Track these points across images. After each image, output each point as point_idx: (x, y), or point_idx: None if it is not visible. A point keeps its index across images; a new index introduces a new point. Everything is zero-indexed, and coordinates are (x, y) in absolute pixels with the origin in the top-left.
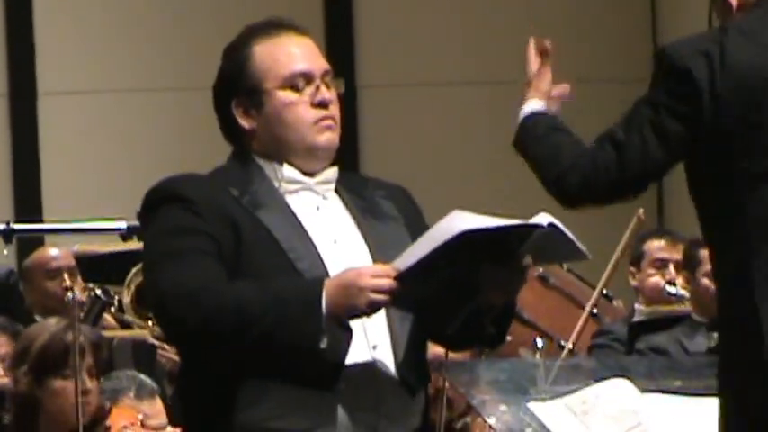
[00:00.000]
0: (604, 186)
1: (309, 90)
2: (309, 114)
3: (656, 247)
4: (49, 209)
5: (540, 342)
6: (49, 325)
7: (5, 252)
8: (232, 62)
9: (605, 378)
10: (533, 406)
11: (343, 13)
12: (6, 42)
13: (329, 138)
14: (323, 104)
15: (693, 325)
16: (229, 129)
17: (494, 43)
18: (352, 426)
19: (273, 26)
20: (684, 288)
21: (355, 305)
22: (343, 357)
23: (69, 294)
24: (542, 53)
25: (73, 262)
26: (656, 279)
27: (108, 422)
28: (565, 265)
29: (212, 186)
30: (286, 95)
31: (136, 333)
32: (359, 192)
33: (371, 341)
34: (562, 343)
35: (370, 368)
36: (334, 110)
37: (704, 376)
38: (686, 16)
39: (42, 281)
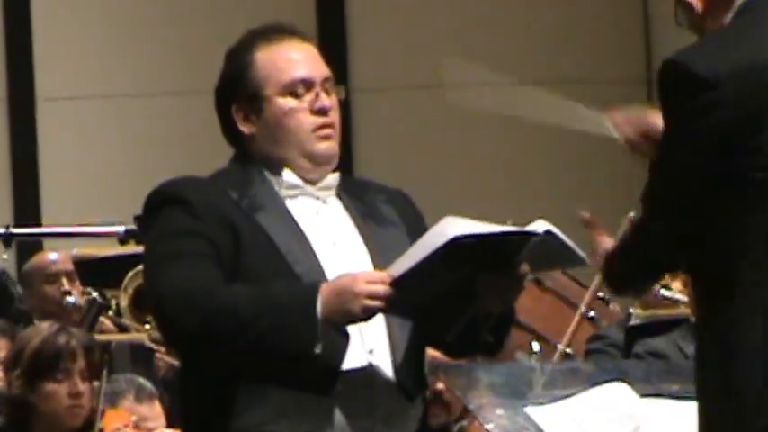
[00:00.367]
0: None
1: (309, 97)
2: (308, 121)
3: None
4: (47, 213)
5: (536, 345)
6: (41, 329)
7: (5, 256)
8: (233, 67)
9: (603, 382)
10: (531, 410)
11: (336, 17)
12: (5, 47)
13: (328, 146)
14: (322, 111)
15: (691, 329)
16: (230, 132)
17: (488, 46)
18: (349, 430)
19: (276, 32)
20: (682, 291)
21: (350, 310)
22: (340, 362)
23: (68, 298)
24: (590, 225)
25: (71, 266)
26: None
27: (102, 424)
28: None
29: (212, 189)
30: (286, 102)
31: (134, 336)
32: (360, 196)
33: (368, 346)
34: (558, 346)
35: (367, 373)
36: (334, 116)
37: None
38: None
39: (41, 285)
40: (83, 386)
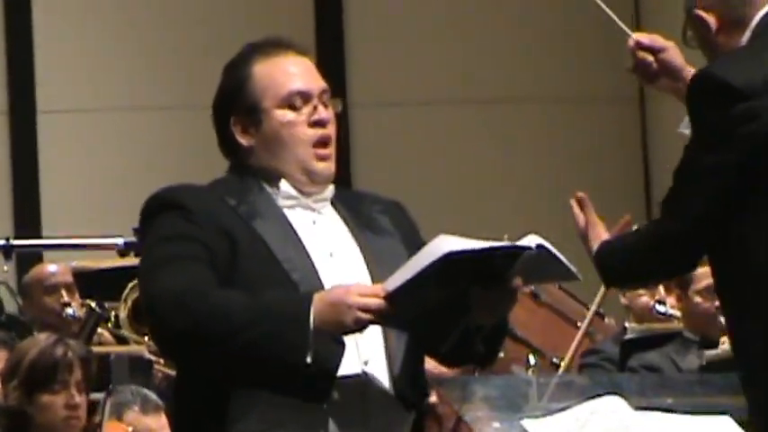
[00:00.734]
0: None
1: (307, 109)
2: (306, 134)
3: None
4: (47, 225)
5: (532, 359)
6: (39, 340)
7: (5, 268)
8: (231, 80)
9: (598, 395)
10: (526, 423)
11: (334, 32)
12: (6, 60)
13: (326, 167)
14: (320, 124)
15: (685, 343)
16: (228, 145)
17: (484, 63)
18: None
19: (273, 45)
20: (675, 306)
21: (342, 322)
22: (334, 371)
23: (67, 310)
24: (581, 205)
25: (71, 278)
26: (645, 299)
27: None
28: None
29: (210, 196)
30: (284, 114)
31: (133, 348)
32: (355, 206)
33: (363, 356)
34: (554, 360)
35: (361, 383)
36: (332, 129)
37: (695, 394)
38: (670, 36)
39: (41, 297)
40: (79, 398)
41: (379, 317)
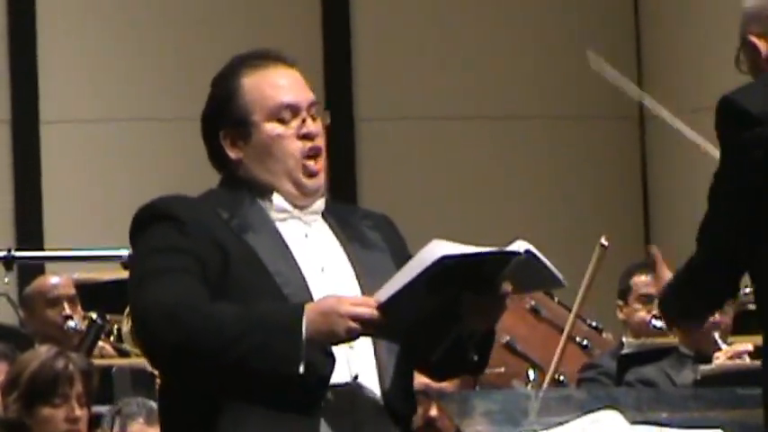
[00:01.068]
0: None
1: (296, 122)
2: (295, 147)
3: (641, 281)
4: (50, 237)
5: (531, 374)
6: (40, 353)
7: (6, 280)
8: (220, 93)
9: (595, 409)
10: None
11: (341, 47)
12: (9, 69)
13: (315, 182)
14: (308, 137)
15: (680, 358)
16: (218, 158)
17: (489, 80)
18: None
19: (261, 57)
20: None
21: (334, 331)
22: (325, 384)
23: (69, 323)
24: (654, 261)
25: (73, 290)
26: (641, 314)
27: None
28: (556, 298)
29: (202, 208)
30: (272, 127)
31: (135, 361)
32: (346, 221)
33: (353, 370)
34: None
35: (351, 396)
36: (320, 142)
37: (690, 408)
38: (672, 56)
39: (42, 309)
40: (80, 411)
41: (371, 327)
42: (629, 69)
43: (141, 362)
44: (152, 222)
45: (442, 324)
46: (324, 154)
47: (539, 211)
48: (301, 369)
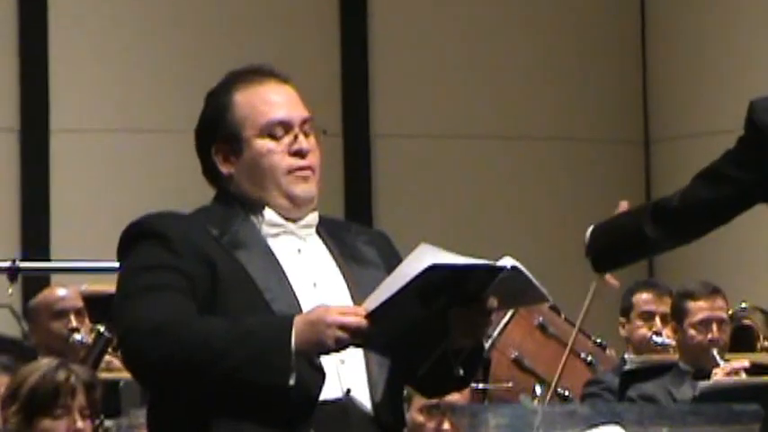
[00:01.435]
0: None
1: (287, 139)
2: (285, 163)
3: (643, 299)
4: (57, 247)
5: (538, 389)
6: (41, 364)
7: (10, 291)
8: (213, 108)
9: (599, 424)
10: None
11: (359, 64)
12: (20, 78)
13: (305, 189)
14: (299, 154)
15: (680, 374)
16: (211, 172)
17: (504, 99)
18: None
19: (254, 73)
20: (672, 337)
21: (322, 341)
22: (315, 399)
23: (75, 336)
24: None
25: (80, 303)
26: (643, 331)
27: None
28: (563, 315)
29: (191, 224)
30: (264, 144)
31: None
32: (340, 236)
33: (345, 385)
34: (559, 390)
35: (342, 411)
36: (313, 158)
37: (689, 423)
38: (677, 81)
39: (48, 321)
40: (82, 423)
41: (360, 336)
42: (635, 93)
43: None
44: (139, 240)
45: (430, 338)
46: (317, 171)
47: (547, 229)
48: (292, 381)
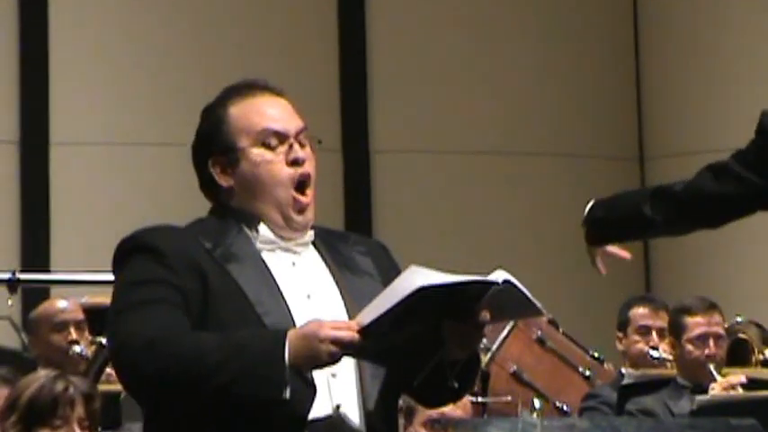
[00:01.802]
0: None
1: (283, 149)
2: (284, 173)
3: (639, 314)
4: (57, 260)
5: (537, 403)
6: (39, 376)
7: (9, 302)
8: (208, 122)
9: None
10: None
11: (358, 79)
12: (20, 90)
13: (304, 219)
14: (297, 162)
15: (678, 388)
16: (208, 186)
17: (503, 114)
18: None
19: (249, 87)
20: (669, 353)
21: (315, 355)
22: (306, 414)
23: (75, 348)
24: None
25: (81, 315)
26: (640, 346)
27: None
28: (561, 329)
29: (185, 238)
30: (260, 153)
31: None
32: (336, 247)
33: (335, 400)
34: (557, 404)
35: (334, 423)
36: (309, 167)
37: None
38: (672, 98)
39: (48, 333)
40: None
41: (353, 350)
42: (630, 110)
43: None
44: (133, 254)
45: (425, 349)
46: (313, 181)
47: (544, 244)
48: (287, 394)
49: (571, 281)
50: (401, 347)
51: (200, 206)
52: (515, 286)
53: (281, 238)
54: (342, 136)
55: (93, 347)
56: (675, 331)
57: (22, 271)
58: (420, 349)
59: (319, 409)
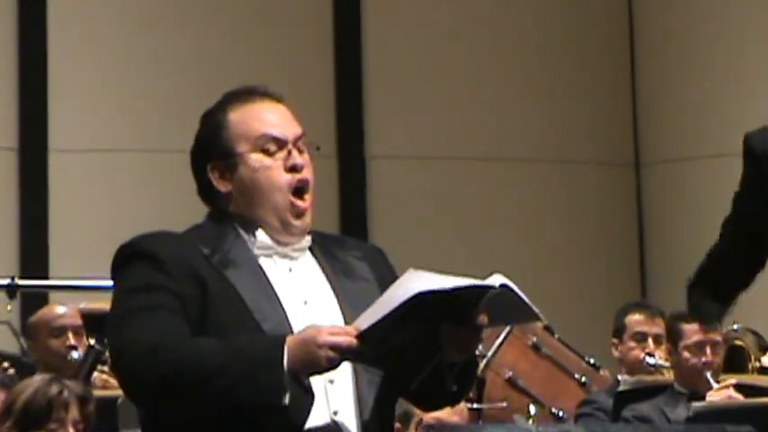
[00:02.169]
0: None
1: (282, 155)
2: (283, 179)
3: (635, 320)
4: (55, 266)
5: (533, 409)
6: (34, 380)
7: (9, 308)
8: (207, 128)
9: None
10: None
11: (353, 85)
12: (19, 97)
13: (302, 223)
14: (295, 169)
15: (675, 395)
16: (206, 192)
17: (499, 120)
18: None
19: (248, 93)
20: (667, 359)
21: (314, 361)
22: (304, 421)
23: (73, 353)
24: None
25: (79, 321)
26: (636, 352)
27: None
28: (556, 335)
29: (183, 244)
30: (258, 159)
31: None
32: (333, 252)
33: (333, 407)
34: (553, 410)
35: (331, 430)
36: (308, 173)
37: None
38: (668, 105)
39: (46, 338)
40: None
41: (351, 355)
42: (626, 116)
43: None
44: (131, 261)
45: (423, 352)
46: (311, 187)
47: (540, 250)
48: (286, 400)
49: (566, 287)
50: (399, 351)
51: (199, 212)
52: (513, 290)
53: (279, 243)
54: (337, 142)
55: (84, 348)
56: (672, 338)
57: (21, 277)
58: (418, 353)
59: (317, 416)
